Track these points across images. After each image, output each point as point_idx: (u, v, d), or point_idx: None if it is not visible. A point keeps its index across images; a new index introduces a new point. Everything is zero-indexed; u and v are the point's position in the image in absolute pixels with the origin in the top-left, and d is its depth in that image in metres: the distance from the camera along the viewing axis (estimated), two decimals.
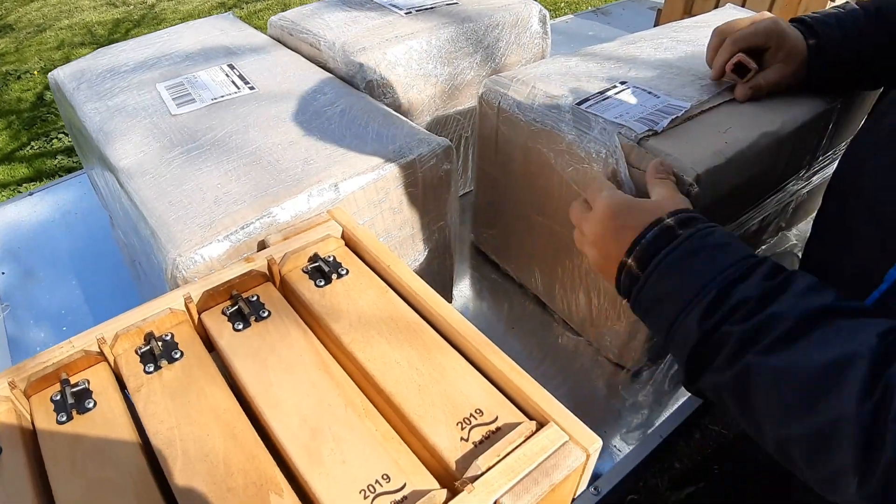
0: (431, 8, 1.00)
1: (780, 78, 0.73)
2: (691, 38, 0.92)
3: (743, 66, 0.73)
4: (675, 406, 0.83)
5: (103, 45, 3.70)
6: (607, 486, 0.74)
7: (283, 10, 4.19)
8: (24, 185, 2.54)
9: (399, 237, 0.76)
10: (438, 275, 0.87)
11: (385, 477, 0.42)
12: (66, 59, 3.53)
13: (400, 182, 0.71)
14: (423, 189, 0.74)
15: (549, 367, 0.87)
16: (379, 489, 0.41)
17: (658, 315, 0.50)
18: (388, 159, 0.69)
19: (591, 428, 0.70)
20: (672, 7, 1.60)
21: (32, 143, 2.85)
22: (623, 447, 0.78)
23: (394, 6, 1.00)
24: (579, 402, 0.83)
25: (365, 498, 0.40)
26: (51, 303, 0.99)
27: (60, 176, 1.24)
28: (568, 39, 1.74)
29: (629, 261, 0.53)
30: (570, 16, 1.92)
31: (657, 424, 0.81)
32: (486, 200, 0.95)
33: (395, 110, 0.91)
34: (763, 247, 0.96)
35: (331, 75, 0.88)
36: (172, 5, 4.40)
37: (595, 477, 0.75)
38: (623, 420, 0.81)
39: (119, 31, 3.98)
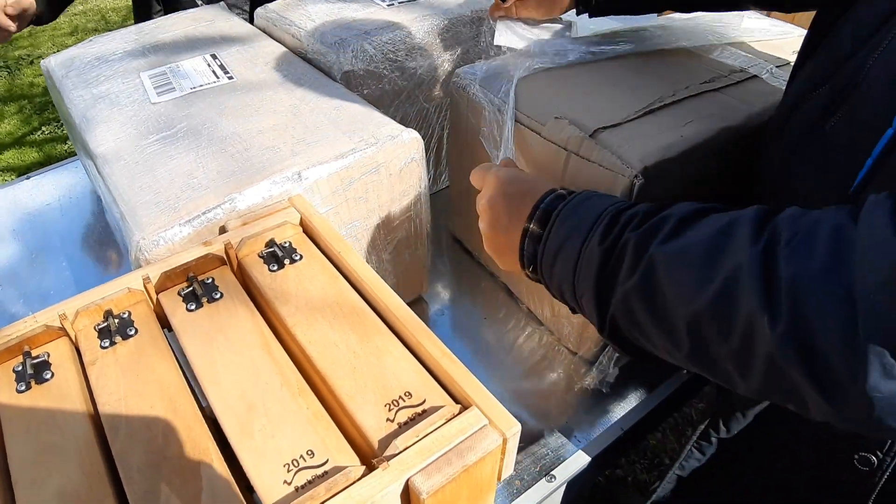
0: (413, 0, 1.02)
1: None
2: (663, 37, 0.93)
3: None
4: (640, 399, 0.85)
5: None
6: (564, 474, 0.76)
7: None
8: (34, 169, 2.59)
9: (366, 226, 0.78)
10: (411, 264, 0.89)
11: (310, 453, 0.44)
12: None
13: (364, 171, 0.73)
14: (390, 179, 0.76)
15: (516, 357, 0.89)
16: (302, 464, 0.43)
17: (564, 260, 0.51)
18: (353, 149, 0.71)
19: (553, 418, 0.73)
20: None
21: (43, 128, 2.90)
22: (585, 437, 0.80)
23: None
24: (545, 392, 0.85)
25: (288, 471, 0.43)
26: (40, 284, 1.02)
27: (69, 159, 1.28)
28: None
29: (532, 225, 0.55)
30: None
31: (620, 416, 0.83)
32: (458, 189, 0.97)
33: (373, 101, 0.93)
34: None
35: (310, 66, 0.90)
36: None
37: (553, 465, 0.77)
38: (587, 410, 0.83)
39: (133, 18, 4.01)
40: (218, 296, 0.57)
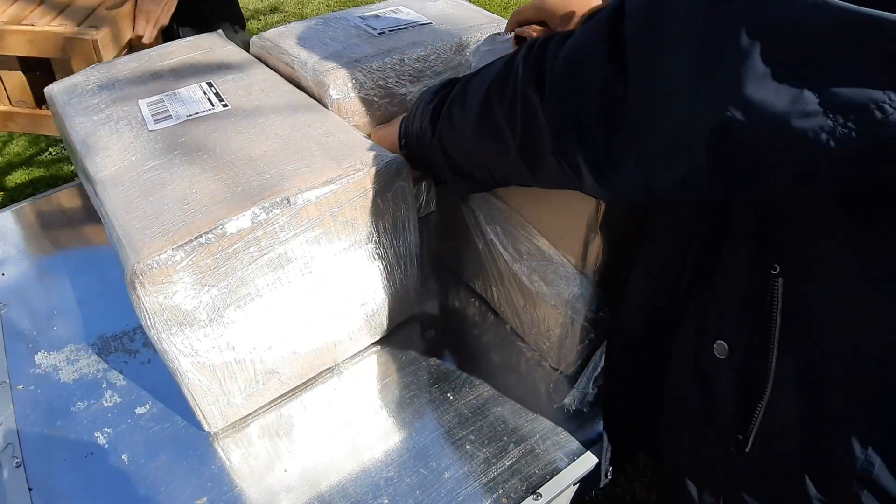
0: (405, 28, 1.05)
1: None
2: None
3: (521, 38, 0.83)
4: None
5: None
6: (550, 492, 0.78)
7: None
8: (41, 189, 2.63)
9: (356, 249, 0.80)
10: (401, 286, 0.92)
11: None
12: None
13: (352, 197, 0.75)
14: (379, 203, 0.79)
15: (503, 374, 0.91)
16: None
17: (417, 121, 0.76)
18: (341, 175, 0.74)
19: (541, 435, 0.75)
20: None
21: (50, 149, 2.95)
22: (572, 455, 0.82)
23: (369, 26, 1.05)
24: (532, 409, 0.87)
25: None
26: (45, 304, 1.05)
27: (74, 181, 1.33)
28: None
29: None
30: None
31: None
32: (444, 213, 1.00)
33: (363, 128, 0.96)
34: None
35: (302, 94, 0.93)
36: None
37: (539, 483, 0.79)
38: (576, 428, 0.85)
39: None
40: None
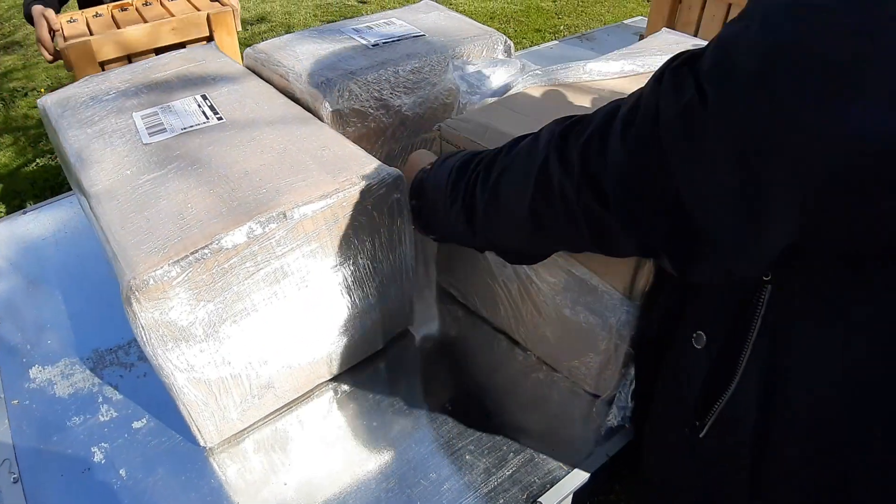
0: (398, 40, 1.06)
1: None
2: (634, 66, 0.97)
3: None
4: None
5: None
6: (551, 500, 0.78)
7: (286, 32, 4.25)
8: (29, 201, 2.61)
9: (351, 262, 0.80)
10: (397, 298, 0.92)
11: None
12: (73, 78, 3.61)
13: (349, 210, 0.75)
14: (375, 217, 0.79)
15: (497, 385, 0.92)
16: None
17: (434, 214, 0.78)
18: (337, 189, 0.74)
19: (539, 445, 0.74)
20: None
21: (38, 160, 2.93)
22: (570, 464, 0.82)
23: (362, 38, 1.06)
24: (529, 419, 0.87)
25: None
26: (38, 318, 1.04)
27: (64, 193, 1.31)
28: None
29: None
30: (556, 42, 1.97)
31: (606, 442, 0.85)
32: (446, 245, 0.99)
33: (358, 140, 0.96)
34: None
35: (297, 106, 0.93)
36: None
37: (540, 492, 0.79)
38: (574, 437, 0.85)
39: None
40: None
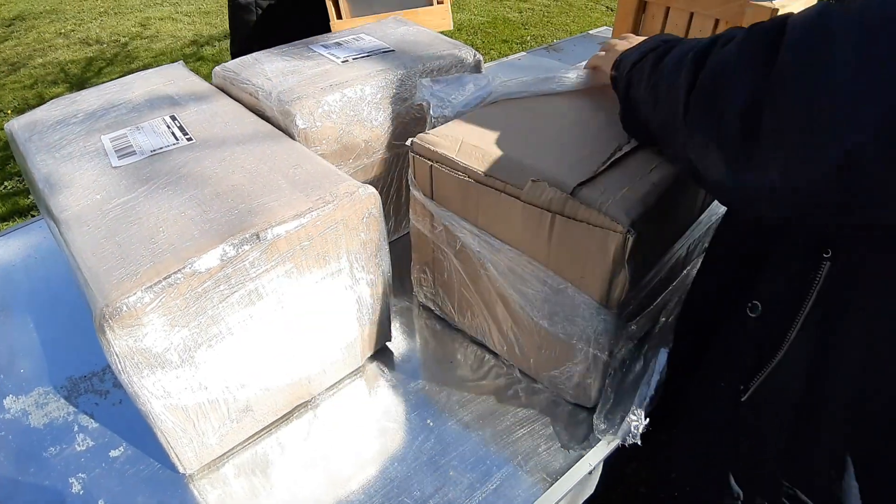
0: (368, 55, 1.06)
1: None
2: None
3: None
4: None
5: (76, 84, 3.76)
6: None
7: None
8: None
9: (328, 281, 0.80)
10: (375, 315, 0.91)
11: None
12: (40, 98, 3.57)
13: (323, 229, 0.75)
14: (349, 235, 0.79)
15: (474, 400, 0.91)
16: None
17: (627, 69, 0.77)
18: (310, 207, 0.74)
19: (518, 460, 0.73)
20: None
21: (6, 183, 2.88)
22: (553, 477, 0.82)
23: (332, 55, 1.05)
24: (518, 432, 0.87)
25: None
26: (10, 346, 1.02)
27: (33, 216, 1.29)
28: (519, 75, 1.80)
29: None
30: (523, 53, 1.98)
31: (588, 453, 0.85)
32: (422, 260, 0.99)
33: (330, 156, 0.96)
34: (689, 266, 1.01)
35: (268, 124, 0.92)
36: (145, 43, 4.45)
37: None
38: (555, 451, 0.85)
39: (92, 70, 4.02)
40: None
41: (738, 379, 0.72)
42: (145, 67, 3.74)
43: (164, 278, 0.65)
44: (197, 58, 4.09)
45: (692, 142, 0.60)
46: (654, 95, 0.68)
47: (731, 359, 0.75)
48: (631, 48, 0.80)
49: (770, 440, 0.71)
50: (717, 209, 0.95)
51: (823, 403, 0.65)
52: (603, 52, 0.90)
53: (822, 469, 0.67)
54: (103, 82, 1.09)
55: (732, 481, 0.77)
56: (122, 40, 4.51)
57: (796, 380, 0.66)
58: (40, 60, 4.18)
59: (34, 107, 1.03)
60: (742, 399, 0.71)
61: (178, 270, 0.65)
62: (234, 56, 1.72)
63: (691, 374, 0.85)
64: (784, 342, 0.65)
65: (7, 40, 4.56)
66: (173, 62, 1.18)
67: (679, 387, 0.87)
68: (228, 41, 4.37)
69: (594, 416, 0.86)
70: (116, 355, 0.65)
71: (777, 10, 1.26)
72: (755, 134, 0.52)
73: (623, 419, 0.83)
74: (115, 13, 5.06)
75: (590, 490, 0.94)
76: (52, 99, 1.04)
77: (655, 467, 0.93)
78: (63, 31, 4.70)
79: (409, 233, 1.02)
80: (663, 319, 0.95)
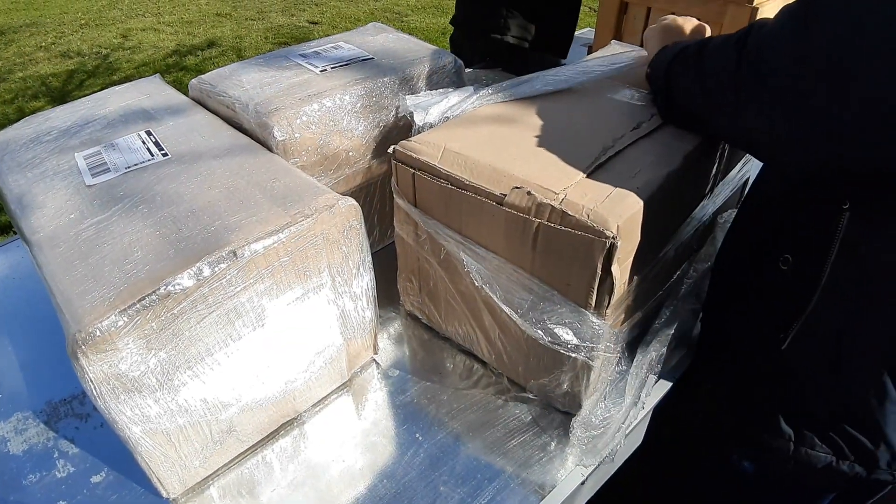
0: (346, 64, 1.04)
1: None
2: (585, 77, 0.97)
3: None
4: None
5: (58, 98, 3.71)
6: None
7: (237, 56, 4.21)
8: None
9: (310, 296, 0.78)
10: (359, 329, 0.90)
11: None
12: (21, 113, 3.53)
13: (303, 243, 0.73)
14: (329, 248, 0.77)
15: (474, 413, 0.90)
16: None
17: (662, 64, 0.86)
18: (289, 222, 0.72)
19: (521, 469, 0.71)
20: (601, 44, 1.66)
21: None
22: (546, 487, 0.81)
23: (310, 64, 1.04)
24: (508, 445, 0.86)
25: None
26: None
27: (14, 234, 1.26)
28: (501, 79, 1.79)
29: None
30: None
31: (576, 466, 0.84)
32: (408, 269, 0.98)
33: (310, 168, 0.94)
34: (678, 272, 1.00)
35: (245, 137, 0.91)
36: (126, 55, 4.42)
37: None
38: (545, 461, 0.84)
39: (73, 83, 3.99)
40: None
41: (777, 327, 0.79)
42: (127, 79, 3.74)
43: (139, 300, 0.63)
44: (180, 68, 4.06)
45: (747, 113, 0.69)
46: (701, 80, 0.76)
47: (768, 310, 0.82)
48: (666, 48, 0.89)
49: (812, 381, 0.79)
50: (706, 211, 0.94)
51: (862, 338, 0.73)
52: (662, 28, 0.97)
53: (864, 398, 0.75)
54: (85, 95, 1.07)
55: (783, 422, 0.83)
56: (104, 52, 4.48)
57: (834, 320, 0.73)
58: (20, 74, 4.14)
59: (14, 121, 1.01)
60: (782, 347, 0.78)
61: (153, 292, 0.63)
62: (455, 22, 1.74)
63: (730, 326, 0.92)
64: (816, 289, 0.72)
65: None
66: (156, 73, 1.16)
67: (718, 339, 0.96)
68: (212, 49, 4.39)
69: (572, 420, 0.85)
70: (92, 381, 0.63)
71: (757, 9, 1.26)
72: (802, 91, 0.61)
73: (603, 425, 0.83)
74: (96, 25, 5.03)
75: (584, 499, 0.93)
76: (32, 114, 1.02)
77: (694, 408, 1.01)
78: (43, 44, 4.66)
79: (392, 243, 1.00)
80: (654, 324, 0.94)
